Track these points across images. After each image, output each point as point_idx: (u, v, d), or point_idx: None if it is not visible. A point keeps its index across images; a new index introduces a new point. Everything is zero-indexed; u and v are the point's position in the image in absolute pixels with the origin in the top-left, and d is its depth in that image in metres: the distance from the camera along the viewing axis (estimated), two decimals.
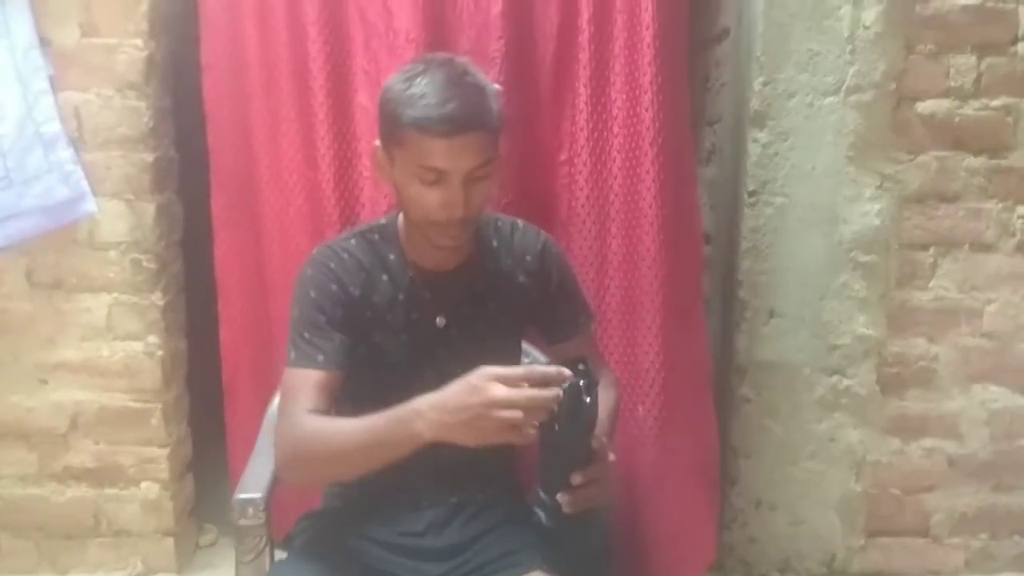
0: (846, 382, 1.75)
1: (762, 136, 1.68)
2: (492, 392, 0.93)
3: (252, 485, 1.30)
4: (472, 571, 1.20)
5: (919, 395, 1.77)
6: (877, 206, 1.68)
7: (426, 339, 1.22)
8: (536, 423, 0.95)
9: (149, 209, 1.71)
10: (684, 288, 1.67)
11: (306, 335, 1.18)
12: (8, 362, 1.74)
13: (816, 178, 1.69)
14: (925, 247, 1.72)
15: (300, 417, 1.12)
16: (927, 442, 1.79)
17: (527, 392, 0.94)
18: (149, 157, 1.70)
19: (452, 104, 1.07)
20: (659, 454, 1.65)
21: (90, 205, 1.67)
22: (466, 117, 1.07)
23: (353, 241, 1.24)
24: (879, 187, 1.68)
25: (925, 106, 1.67)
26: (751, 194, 1.71)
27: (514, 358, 1.32)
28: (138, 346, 1.75)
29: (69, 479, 1.80)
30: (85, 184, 1.66)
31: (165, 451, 1.79)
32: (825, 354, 1.75)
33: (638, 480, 1.67)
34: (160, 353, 1.76)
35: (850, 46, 1.63)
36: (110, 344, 1.75)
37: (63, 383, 1.76)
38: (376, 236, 1.25)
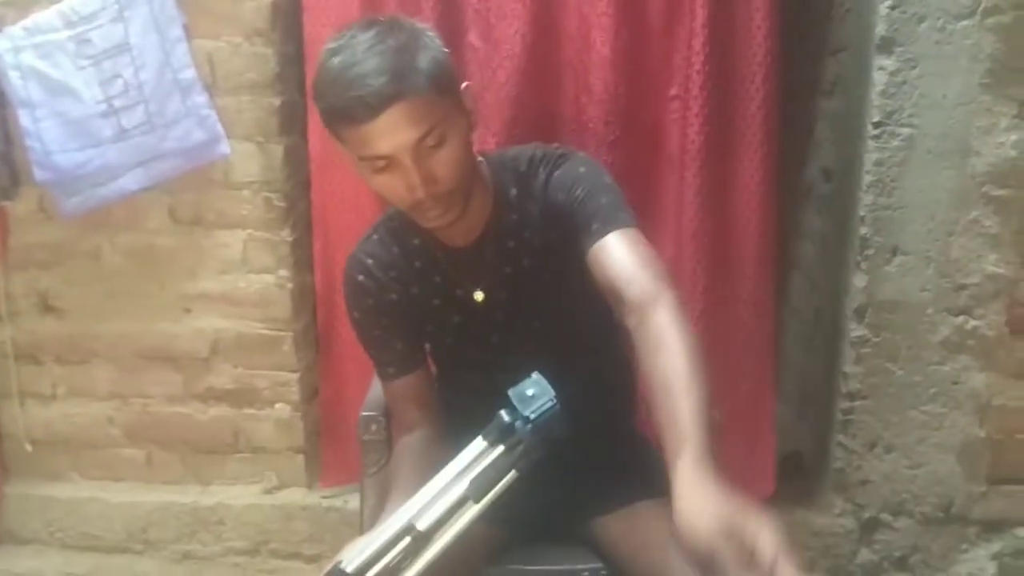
0: (973, 323, 1.67)
1: (889, 63, 1.59)
2: None
3: (374, 404, 1.38)
4: (585, 500, 1.23)
5: None
6: (1014, 137, 1.57)
7: (476, 313, 1.20)
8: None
9: (277, 151, 1.81)
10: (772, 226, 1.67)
11: (372, 352, 1.23)
12: (155, 292, 1.90)
13: (947, 107, 1.59)
14: None
15: (396, 433, 1.23)
16: None
17: None
18: (276, 101, 1.78)
19: (365, 81, 0.96)
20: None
21: (224, 147, 1.77)
22: (383, 93, 0.95)
23: (375, 237, 1.21)
24: (1017, 116, 1.56)
25: None
26: (876, 125, 1.62)
27: (583, 305, 1.17)
28: (270, 278, 1.87)
29: (211, 399, 1.95)
30: (219, 127, 1.76)
31: (295, 375, 1.91)
32: (952, 293, 1.67)
33: None
34: (290, 286, 1.87)
35: None
36: (245, 276, 1.87)
37: (204, 312, 1.90)
38: (397, 223, 1.20)
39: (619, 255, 1.05)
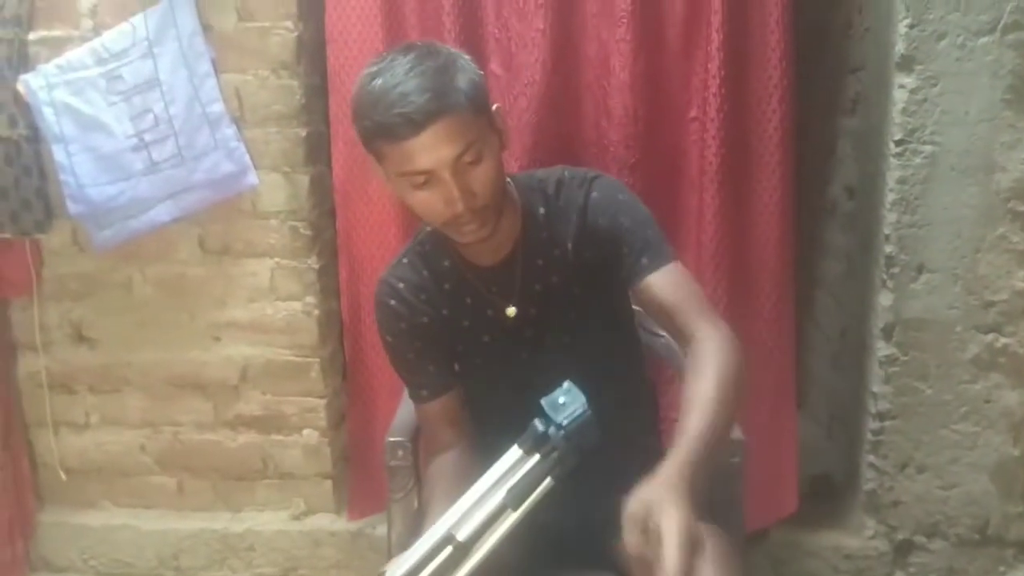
0: (1003, 340, 1.64)
1: (909, 81, 1.59)
2: None
3: (401, 430, 1.40)
4: (610, 521, 1.23)
5: None
6: None
7: (506, 332, 1.22)
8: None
9: (303, 180, 1.84)
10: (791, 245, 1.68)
11: (404, 375, 1.26)
12: (185, 321, 1.93)
13: (969, 124, 1.58)
14: None
15: (429, 455, 1.24)
16: None
17: None
18: (302, 132, 1.81)
19: (408, 100, 1.00)
20: None
21: (252, 178, 1.81)
22: (426, 109, 1.00)
23: (406, 260, 1.24)
24: None
25: None
26: (898, 143, 1.62)
27: (611, 322, 1.24)
28: (297, 306, 1.89)
29: (240, 426, 1.98)
30: (247, 158, 1.79)
31: (323, 401, 1.93)
32: (980, 311, 1.65)
33: None
34: (316, 312, 1.90)
35: None
36: (273, 304, 1.90)
37: (233, 340, 1.93)
38: (427, 247, 1.23)
39: (671, 290, 1.13)
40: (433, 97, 1.00)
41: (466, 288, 1.21)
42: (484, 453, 1.16)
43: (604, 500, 1.20)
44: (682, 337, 1.12)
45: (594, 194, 1.18)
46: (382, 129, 1.02)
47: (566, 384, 0.89)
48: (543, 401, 0.88)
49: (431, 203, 1.07)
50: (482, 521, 0.85)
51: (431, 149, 1.01)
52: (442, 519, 0.86)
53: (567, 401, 0.88)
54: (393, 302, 1.21)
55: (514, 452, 0.88)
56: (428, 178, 1.04)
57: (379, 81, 1.03)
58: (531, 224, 1.19)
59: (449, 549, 0.83)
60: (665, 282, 1.13)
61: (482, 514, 0.85)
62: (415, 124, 1.00)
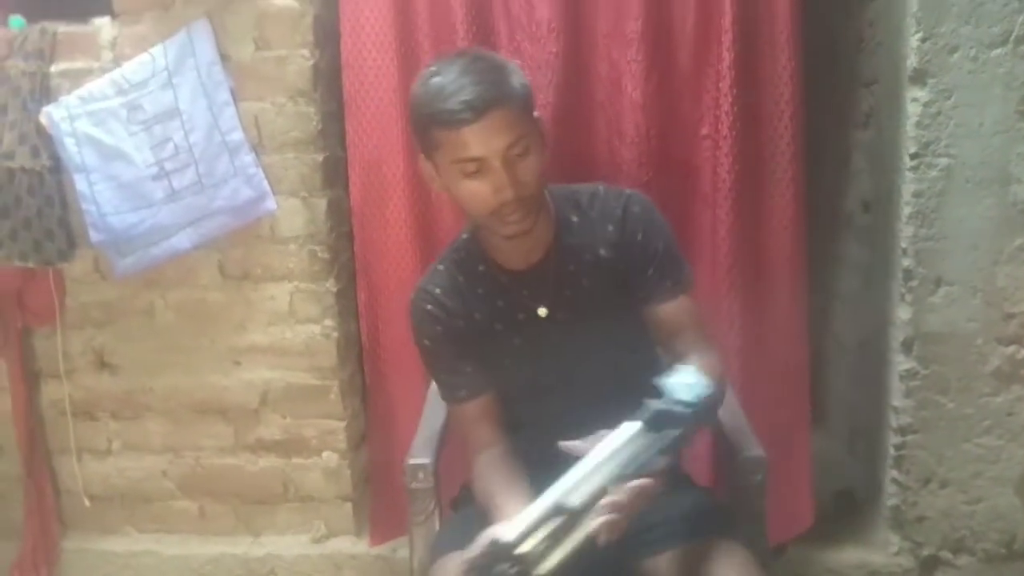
0: None
1: (923, 95, 1.59)
2: None
3: (421, 452, 1.40)
4: (636, 539, 1.24)
5: None
6: None
7: (536, 334, 1.26)
8: None
9: (321, 204, 1.86)
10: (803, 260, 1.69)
11: (443, 377, 1.29)
12: (206, 346, 1.95)
13: (984, 136, 1.58)
14: None
15: (472, 454, 1.25)
16: None
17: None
18: (319, 157, 1.84)
19: (468, 90, 1.08)
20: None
21: (271, 203, 1.83)
22: (483, 99, 1.08)
23: (441, 267, 1.30)
24: None
25: None
26: (913, 156, 1.62)
27: (632, 329, 1.29)
28: (316, 329, 1.91)
29: (260, 450, 1.99)
30: (266, 185, 1.81)
31: (343, 424, 1.94)
32: (1001, 323, 1.64)
33: None
34: (335, 335, 1.91)
35: None
36: (292, 328, 1.91)
37: (253, 363, 1.94)
38: (463, 253, 1.29)
39: (682, 318, 1.25)
40: (491, 87, 1.10)
41: (499, 291, 1.26)
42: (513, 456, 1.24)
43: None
44: (675, 355, 1.22)
45: (634, 208, 1.25)
46: (442, 116, 1.10)
47: (688, 366, 0.96)
48: (663, 380, 0.94)
49: (480, 192, 1.13)
50: (593, 492, 0.89)
51: (486, 137, 1.09)
52: (551, 489, 0.90)
53: (692, 382, 0.94)
54: (430, 307, 1.26)
55: (631, 426, 0.93)
56: (479, 166, 1.11)
57: (438, 78, 1.12)
58: (564, 230, 1.26)
59: (561, 517, 0.88)
60: (679, 310, 1.24)
61: (594, 485, 0.90)
62: (475, 111, 1.08)
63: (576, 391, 1.26)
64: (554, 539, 0.87)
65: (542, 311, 1.26)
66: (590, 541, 0.92)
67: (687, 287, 1.26)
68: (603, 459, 0.92)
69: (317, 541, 2.00)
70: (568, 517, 0.88)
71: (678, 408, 0.93)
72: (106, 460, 2.05)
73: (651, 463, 0.93)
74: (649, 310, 1.25)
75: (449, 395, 1.30)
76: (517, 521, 0.89)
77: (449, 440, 1.48)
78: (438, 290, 1.27)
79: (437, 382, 1.34)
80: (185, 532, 2.06)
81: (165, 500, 2.05)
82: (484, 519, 1.19)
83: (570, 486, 0.90)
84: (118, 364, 2.00)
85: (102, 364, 2.00)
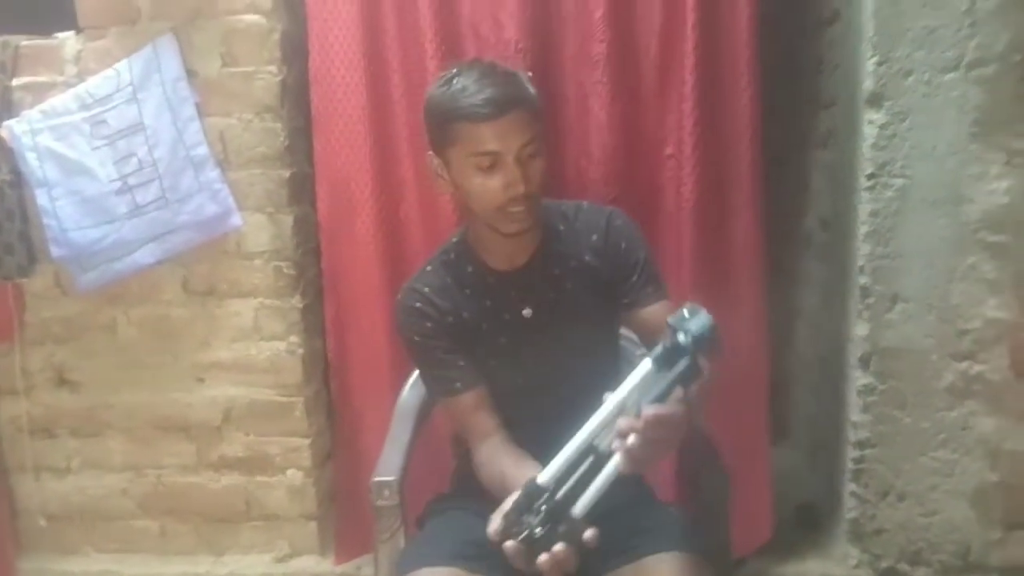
0: (978, 368, 1.67)
1: (878, 117, 1.64)
2: None
3: (387, 469, 1.40)
4: (602, 551, 1.25)
5: None
6: (1005, 183, 1.60)
7: (520, 334, 1.30)
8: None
9: (287, 221, 1.86)
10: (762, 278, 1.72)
11: (435, 372, 1.31)
12: (169, 362, 1.93)
13: (938, 157, 1.62)
14: None
15: (473, 443, 1.28)
16: None
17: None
18: (286, 173, 1.84)
19: (491, 90, 1.16)
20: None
21: (236, 219, 1.82)
22: (506, 98, 1.16)
23: (430, 268, 1.33)
24: (1007, 163, 1.59)
25: None
26: (869, 177, 1.66)
27: (607, 332, 1.37)
28: (281, 345, 1.90)
29: (223, 468, 1.97)
30: (231, 200, 1.81)
31: (307, 441, 1.93)
32: (955, 339, 1.68)
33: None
34: (301, 351, 1.90)
35: (970, 19, 1.56)
36: (257, 344, 1.90)
37: (217, 380, 1.93)
38: (452, 255, 1.33)
39: (664, 318, 1.21)
40: (513, 89, 1.19)
41: (486, 291, 1.30)
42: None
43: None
44: None
45: (617, 221, 1.33)
46: (467, 111, 1.16)
47: (689, 304, 0.99)
48: (669, 319, 0.98)
49: (491, 187, 1.19)
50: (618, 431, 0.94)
51: (505, 133, 1.16)
52: (580, 430, 0.96)
53: (693, 316, 0.98)
54: (419, 304, 1.30)
55: (645, 365, 0.98)
56: (494, 161, 1.18)
57: (460, 79, 1.19)
58: (550, 237, 1.32)
59: (591, 457, 0.93)
60: (660, 313, 1.27)
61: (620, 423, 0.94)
62: (498, 106, 1.15)
63: (558, 390, 1.28)
64: (584, 481, 0.93)
65: (527, 312, 1.30)
66: (619, 480, 0.95)
67: (664, 294, 1.34)
68: (622, 399, 0.97)
69: (281, 560, 1.98)
70: (595, 458, 0.93)
71: (681, 337, 0.97)
72: (65, 478, 2.01)
73: (667, 393, 0.96)
74: (634, 314, 1.31)
75: (443, 389, 1.31)
76: (549, 467, 0.94)
77: (415, 457, 1.47)
78: (427, 289, 1.30)
79: (429, 379, 1.35)
80: (146, 552, 2.02)
81: (126, 519, 2.02)
82: (464, 517, 1.26)
83: (594, 427, 0.95)
84: (78, 381, 1.97)
85: (62, 381, 1.97)
